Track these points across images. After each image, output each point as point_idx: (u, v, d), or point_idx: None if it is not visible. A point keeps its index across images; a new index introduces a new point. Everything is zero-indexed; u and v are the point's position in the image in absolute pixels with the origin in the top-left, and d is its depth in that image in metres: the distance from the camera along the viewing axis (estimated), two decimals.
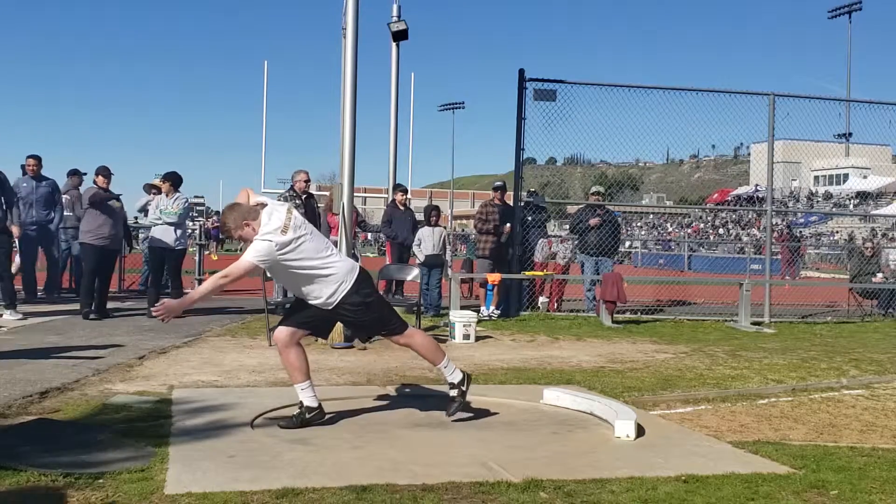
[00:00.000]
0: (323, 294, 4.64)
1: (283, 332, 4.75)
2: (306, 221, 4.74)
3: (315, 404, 4.72)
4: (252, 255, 4.46)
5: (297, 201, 10.21)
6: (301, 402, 4.73)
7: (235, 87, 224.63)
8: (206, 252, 31.52)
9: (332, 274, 4.63)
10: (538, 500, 3.47)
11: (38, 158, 11.44)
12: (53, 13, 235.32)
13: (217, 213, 44.49)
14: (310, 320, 4.79)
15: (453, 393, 4.89)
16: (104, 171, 9.79)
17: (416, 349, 4.94)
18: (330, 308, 4.69)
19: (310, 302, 4.71)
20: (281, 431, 4.55)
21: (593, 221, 11.46)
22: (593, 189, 12.34)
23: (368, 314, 4.77)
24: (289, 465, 3.86)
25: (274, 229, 4.47)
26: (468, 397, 5.01)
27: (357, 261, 10.83)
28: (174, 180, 9.96)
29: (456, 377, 4.90)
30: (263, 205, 4.64)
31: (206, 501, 3.32)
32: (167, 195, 9.81)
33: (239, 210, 4.59)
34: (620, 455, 4.27)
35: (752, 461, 4.19)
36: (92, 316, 9.30)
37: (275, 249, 4.45)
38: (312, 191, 12.41)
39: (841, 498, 3.64)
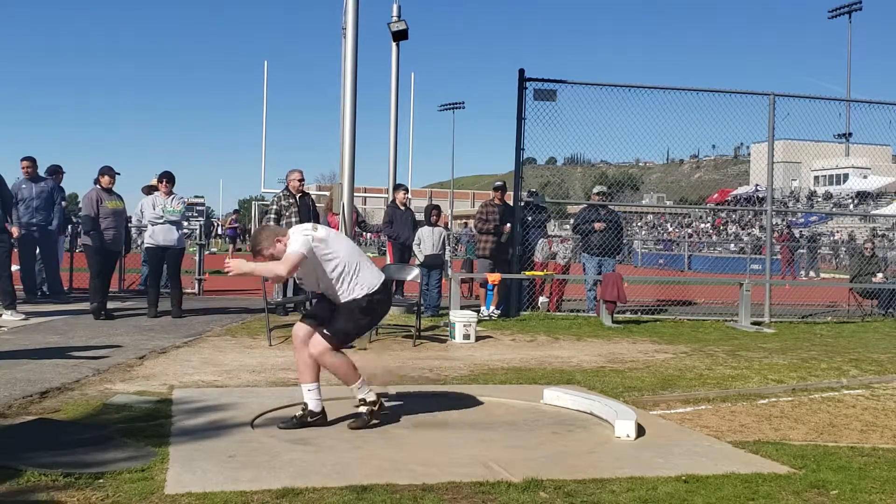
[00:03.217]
0: (350, 296, 4.68)
1: (303, 328, 4.75)
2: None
3: (319, 409, 4.70)
4: (295, 247, 4.59)
5: (292, 199, 10.20)
6: (305, 405, 4.70)
7: (235, 87, 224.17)
8: (216, 251, 31.55)
9: (360, 276, 4.70)
10: (538, 500, 3.47)
11: (32, 160, 11.43)
12: (52, 13, 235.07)
13: (236, 210, 44.46)
14: (329, 317, 4.76)
15: (364, 409, 4.74)
16: (108, 171, 9.76)
17: (327, 368, 4.76)
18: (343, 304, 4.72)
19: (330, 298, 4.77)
20: (281, 431, 4.55)
21: (598, 226, 11.45)
22: (596, 189, 12.34)
23: (350, 314, 4.70)
24: (289, 465, 3.86)
25: (307, 228, 4.74)
26: (472, 391, 5.00)
27: None
28: (172, 180, 9.95)
29: (370, 396, 4.76)
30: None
31: (206, 501, 3.32)
32: (166, 195, 9.80)
33: (270, 229, 4.98)
34: (621, 455, 4.27)
35: (752, 461, 4.19)
36: (103, 315, 9.30)
37: (311, 241, 4.61)
38: (312, 191, 12.41)
39: (841, 498, 3.64)
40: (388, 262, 11.17)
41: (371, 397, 4.77)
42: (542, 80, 11.37)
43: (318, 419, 4.68)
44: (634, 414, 4.80)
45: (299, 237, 4.63)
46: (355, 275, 4.71)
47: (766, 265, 12.48)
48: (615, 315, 10.58)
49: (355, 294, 4.70)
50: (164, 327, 8.86)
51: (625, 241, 21.44)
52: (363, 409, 4.74)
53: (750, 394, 6.18)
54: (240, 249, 29.33)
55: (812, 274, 24.84)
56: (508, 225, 11.24)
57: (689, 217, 53.00)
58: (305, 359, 4.69)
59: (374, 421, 4.73)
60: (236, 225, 32.34)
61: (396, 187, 12.04)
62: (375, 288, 4.75)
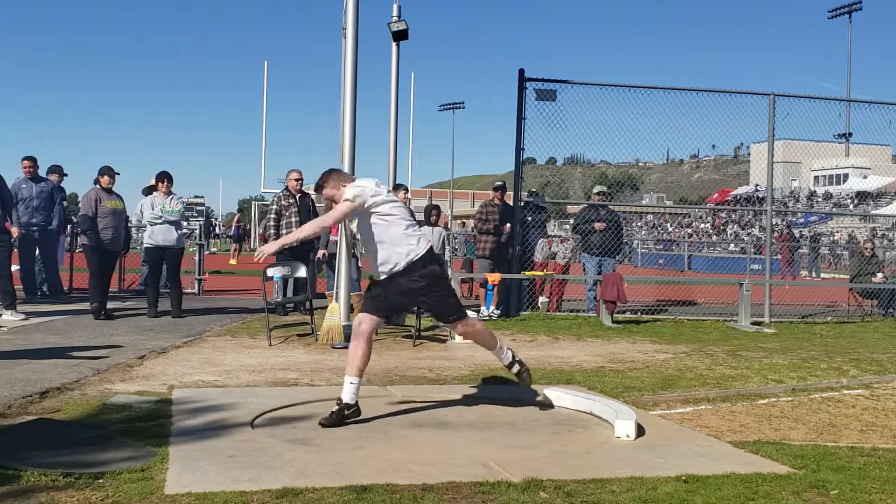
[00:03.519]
0: (394, 257, 4.86)
1: (367, 321, 4.88)
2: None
3: (354, 402, 4.80)
4: (348, 193, 4.85)
5: (292, 199, 10.21)
6: (339, 399, 4.78)
7: (235, 87, 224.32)
8: (216, 251, 31.33)
9: (409, 236, 4.90)
10: (538, 499, 3.47)
11: (33, 160, 11.43)
12: (51, 13, 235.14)
13: (240, 210, 44.40)
14: (385, 305, 4.98)
15: (516, 369, 5.28)
16: (108, 171, 9.77)
17: (471, 339, 5.32)
18: (395, 274, 4.88)
19: (381, 271, 4.94)
20: (281, 431, 4.56)
21: (598, 226, 11.45)
22: (596, 189, 12.34)
23: (431, 295, 4.98)
24: (289, 465, 3.86)
25: (368, 181, 4.95)
26: (472, 391, 5.15)
27: (357, 260, 10.86)
28: (171, 180, 9.96)
29: (508, 358, 5.30)
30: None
31: (206, 501, 3.32)
32: (165, 195, 9.80)
33: (340, 173, 5.19)
34: (620, 455, 4.27)
35: (752, 461, 4.19)
36: (103, 315, 9.30)
37: (368, 193, 4.84)
38: (313, 191, 12.35)
39: (841, 498, 3.64)
40: None
41: (508, 358, 5.28)
42: (543, 80, 11.36)
43: (353, 411, 4.78)
44: (634, 414, 4.80)
45: (355, 187, 4.86)
46: (415, 236, 4.94)
47: (766, 265, 12.48)
48: (615, 315, 10.57)
49: (402, 252, 4.85)
50: (163, 327, 8.86)
51: (625, 241, 21.43)
52: (515, 368, 5.28)
53: (750, 394, 6.17)
54: (240, 250, 29.23)
55: (812, 274, 24.82)
56: (508, 225, 11.24)
57: (689, 217, 52.98)
58: (361, 352, 4.82)
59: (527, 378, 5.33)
60: (240, 224, 32.33)
61: (396, 187, 12.00)
62: (424, 251, 4.92)
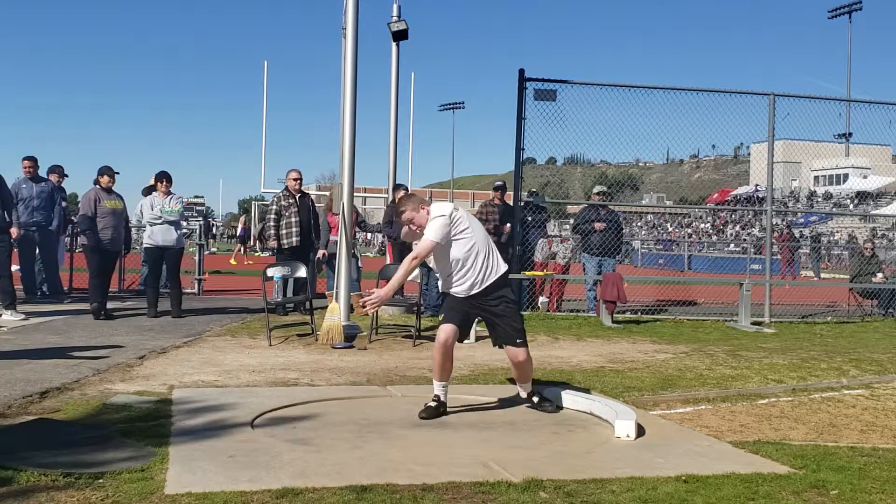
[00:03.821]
0: (471, 279, 5.08)
1: (452, 331, 5.10)
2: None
3: (445, 399, 5.17)
4: (431, 234, 5.02)
5: (291, 199, 10.21)
6: (437, 396, 5.13)
7: (235, 87, 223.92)
8: (216, 251, 31.20)
9: (487, 259, 5.11)
10: (538, 500, 3.47)
11: (33, 160, 11.43)
12: (51, 13, 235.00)
13: (245, 210, 44.36)
14: (463, 321, 5.21)
15: (536, 399, 5.40)
16: (108, 171, 9.77)
17: (518, 369, 5.35)
18: (476, 294, 5.10)
19: (459, 291, 5.12)
20: (281, 431, 4.56)
21: (598, 226, 11.45)
22: (596, 189, 12.34)
23: (506, 314, 5.17)
24: (289, 465, 3.86)
25: (447, 208, 5.11)
26: (472, 391, 5.33)
27: (357, 260, 10.85)
28: (170, 180, 9.96)
29: (529, 387, 5.45)
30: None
31: (206, 501, 3.32)
32: (164, 195, 9.79)
33: (416, 197, 5.40)
34: (620, 455, 4.27)
35: (752, 461, 4.19)
36: (103, 315, 9.30)
37: (448, 223, 5.01)
38: (312, 191, 12.39)
39: (841, 498, 3.64)
40: (388, 262, 11.17)
41: (530, 387, 5.42)
42: (543, 80, 11.36)
43: (445, 406, 5.14)
44: (634, 414, 4.80)
45: (436, 222, 4.99)
46: (493, 258, 5.14)
47: (766, 265, 12.48)
48: (615, 315, 10.58)
49: (481, 276, 5.08)
50: (163, 327, 8.86)
51: (625, 241, 21.42)
52: (535, 398, 5.39)
53: (750, 394, 6.18)
54: (241, 251, 29.20)
55: (812, 275, 24.83)
56: (508, 225, 11.24)
57: (689, 217, 53.00)
58: (449, 364, 5.13)
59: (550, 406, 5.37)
60: (247, 225, 32.39)
61: (396, 187, 12.02)
62: (501, 275, 5.16)
